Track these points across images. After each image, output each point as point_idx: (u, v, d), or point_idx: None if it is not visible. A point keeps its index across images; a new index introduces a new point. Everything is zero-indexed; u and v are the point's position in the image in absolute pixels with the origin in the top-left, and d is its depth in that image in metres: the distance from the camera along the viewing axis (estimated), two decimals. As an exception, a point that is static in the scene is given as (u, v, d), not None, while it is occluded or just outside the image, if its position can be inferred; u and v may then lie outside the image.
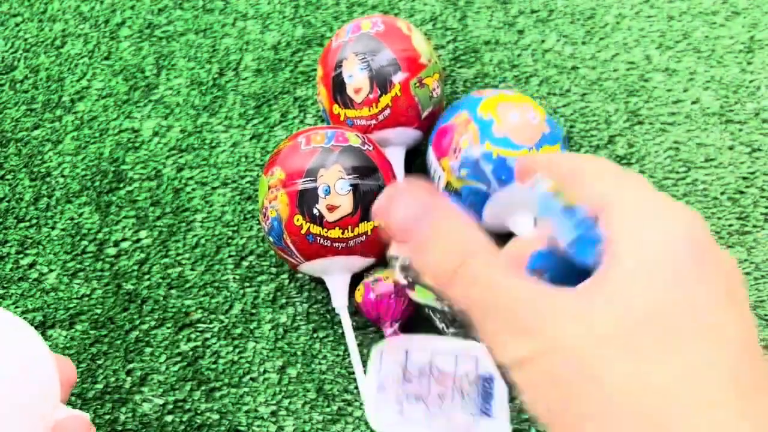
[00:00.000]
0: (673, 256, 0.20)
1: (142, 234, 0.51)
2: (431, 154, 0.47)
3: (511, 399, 0.43)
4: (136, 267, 0.50)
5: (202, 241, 0.51)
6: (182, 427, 0.44)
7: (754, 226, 0.50)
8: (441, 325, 0.45)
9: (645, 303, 0.19)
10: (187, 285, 0.49)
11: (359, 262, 0.44)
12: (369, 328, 0.47)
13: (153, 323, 0.48)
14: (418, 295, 0.43)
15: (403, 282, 0.43)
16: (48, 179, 0.54)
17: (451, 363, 0.43)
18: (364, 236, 0.43)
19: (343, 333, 0.47)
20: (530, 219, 0.45)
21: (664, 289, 0.19)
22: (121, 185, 0.53)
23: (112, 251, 0.51)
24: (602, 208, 0.22)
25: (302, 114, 0.56)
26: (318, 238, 0.42)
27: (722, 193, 0.51)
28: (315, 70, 0.58)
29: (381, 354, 0.43)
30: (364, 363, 0.46)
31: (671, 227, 0.20)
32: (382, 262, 0.47)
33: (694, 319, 0.19)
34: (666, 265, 0.20)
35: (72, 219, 0.52)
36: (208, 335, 0.47)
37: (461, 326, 0.44)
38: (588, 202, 0.22)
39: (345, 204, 0.42)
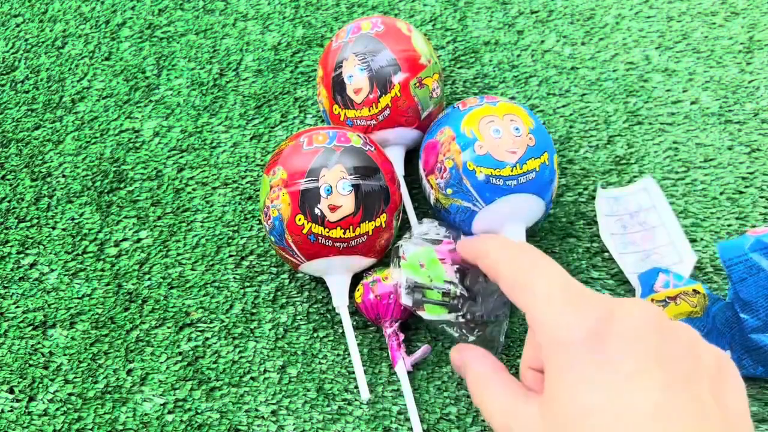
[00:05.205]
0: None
1: (143, 234, 0.51)
2: (420, 169, 0.48)
3: None
4: (136, 267, 0.50)
5: (203, 241, 0.51)
6: (182, 426, 0.44)
7: (753, 226, 0.50)
8: (459, 335, 0.45)
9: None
10: (188, 285, 0.49)
11: (360, 262, 0.45)
12: (369, 327, 0.47)
13: (153, 323, 0.48)
14: (429, 313, 0.43)
15: (410, 304, 0.43)
16: (49, 179, 0.54)
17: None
18: (365, 236, 0.43)
19: (343, 332, 0.47)
20: (522, 228, 0.45)
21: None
22: (122, 185, 0.53)
23: (112, 251, 0.51)
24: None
25: (302, 114, 0.56)
26: (320, 237, 0.42)
27: (721, 193, 0.51)
28: (315, 70, 0.58)
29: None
30: (365, 362, 0.46)
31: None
32: (383, 262, 0.47)
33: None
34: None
35: (73, 219, 0.52)
36: (208, 335, 0.47)
37: (481, 330, 0.44)
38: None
39: (347, 204, 0.42)
